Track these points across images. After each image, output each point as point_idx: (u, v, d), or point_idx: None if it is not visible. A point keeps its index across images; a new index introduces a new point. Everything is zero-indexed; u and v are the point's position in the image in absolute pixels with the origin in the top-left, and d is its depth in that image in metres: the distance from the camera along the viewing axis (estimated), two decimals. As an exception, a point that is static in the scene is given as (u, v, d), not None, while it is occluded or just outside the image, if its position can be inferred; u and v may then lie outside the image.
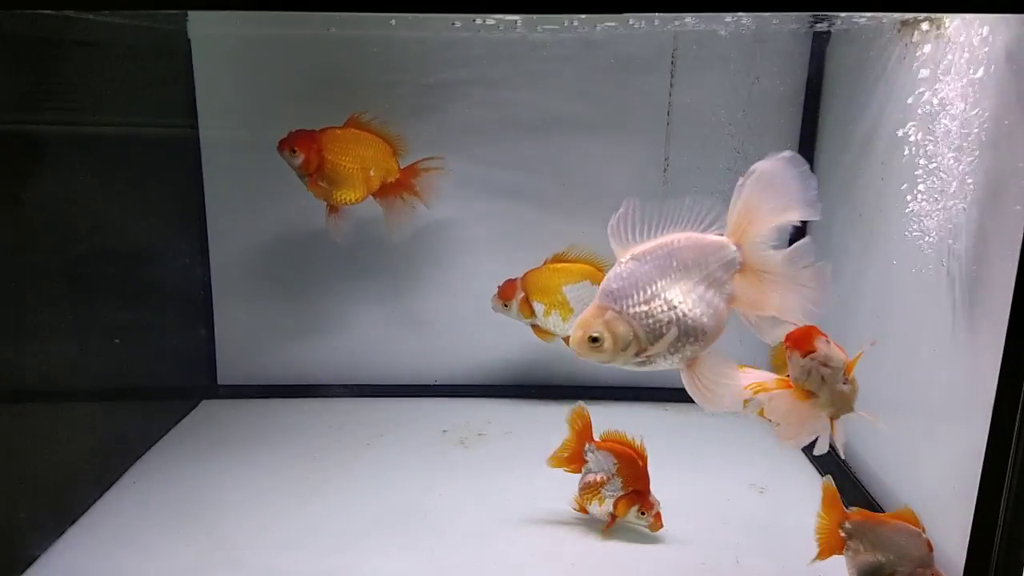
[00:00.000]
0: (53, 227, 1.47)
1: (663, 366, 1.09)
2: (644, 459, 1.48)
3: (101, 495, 1.58)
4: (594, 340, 1.04)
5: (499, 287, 1.78)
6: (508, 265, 1.86)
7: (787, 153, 1.04)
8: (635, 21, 1.62)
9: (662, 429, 1.93)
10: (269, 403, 2.03)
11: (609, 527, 1.47)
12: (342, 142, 1.64)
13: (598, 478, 1.47)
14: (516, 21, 1.64)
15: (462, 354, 2.08)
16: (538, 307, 1.75)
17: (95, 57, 1.57)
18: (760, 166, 1.04)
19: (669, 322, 1.05)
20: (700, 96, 1.88)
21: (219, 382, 2.08)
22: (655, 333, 1.05)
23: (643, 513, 1.46)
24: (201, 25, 1.79)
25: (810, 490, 1.64)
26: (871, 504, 1.58)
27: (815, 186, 1.05)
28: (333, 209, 1.68)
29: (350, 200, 1.67)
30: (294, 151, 1.61)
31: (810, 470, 1.74)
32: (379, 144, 1.67)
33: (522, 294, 1.75)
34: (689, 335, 1.06)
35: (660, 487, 1.58)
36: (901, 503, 1.49)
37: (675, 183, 1.94)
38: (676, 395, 2.02)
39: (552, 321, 1.77)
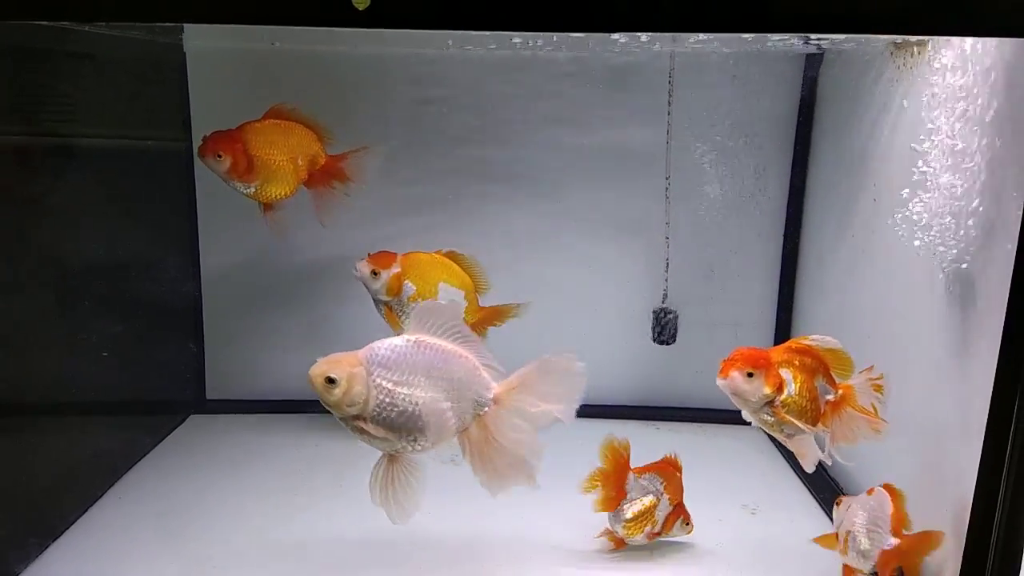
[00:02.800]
0: (42, 238, 1.46)
1: (375, 439, 1.13)
2: (680, 468, 1.46)
3: (85, 511, 1.55)
4: (330, 381, 1.08)
5: (372, 253, 1.65)
6: (503, 282, 1.86)
7: (573, 355, 1.14)
8: (624, 38, 1.63)
9: (653, 448, 1.90)
10: (258, 418, 2.01)
11: (622, 546, 1.44)
12: (266, 135, 1.56)
13: (648, 503, 1.42)
14: (513, 39, 1.65)
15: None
16: (409, 287, 1.64)
17: (89, 69, 1.57)
18: (554, 358, 1.14)
19: (402, 413, 1.10)
20: (698, 116, 1.88)
21: (208, 396, 2.06)
22: (384, 412, 1.10)
23: (686, 523, 1.45)
24: (196, 38, 1.79)
25: (803, 512, 1.65)
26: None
27: (582, 392, 1.15)
28: (268, 207, 1.60)
29: (282, 195, 1.59)
30: (219, 155, 1.52)
31: (803, 491, 1.73)
32: (303, 131, 1.60)
33: (398, 269, 1.64)
34: (411, 434, 1.11)
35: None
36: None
37: (676, 201, 1.94)
38: (667, 414, 2.05)
39: (412, 308, 1.64)
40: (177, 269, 1.95)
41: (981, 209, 1.22)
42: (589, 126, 1.93)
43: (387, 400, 1.09)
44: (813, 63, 1.87)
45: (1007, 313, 1.09)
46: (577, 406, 1.15)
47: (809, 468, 1.32)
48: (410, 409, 1.10)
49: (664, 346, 1.96)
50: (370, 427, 1.10)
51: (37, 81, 1.44)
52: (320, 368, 1.08)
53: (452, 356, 1.12)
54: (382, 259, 1.64)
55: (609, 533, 1.45)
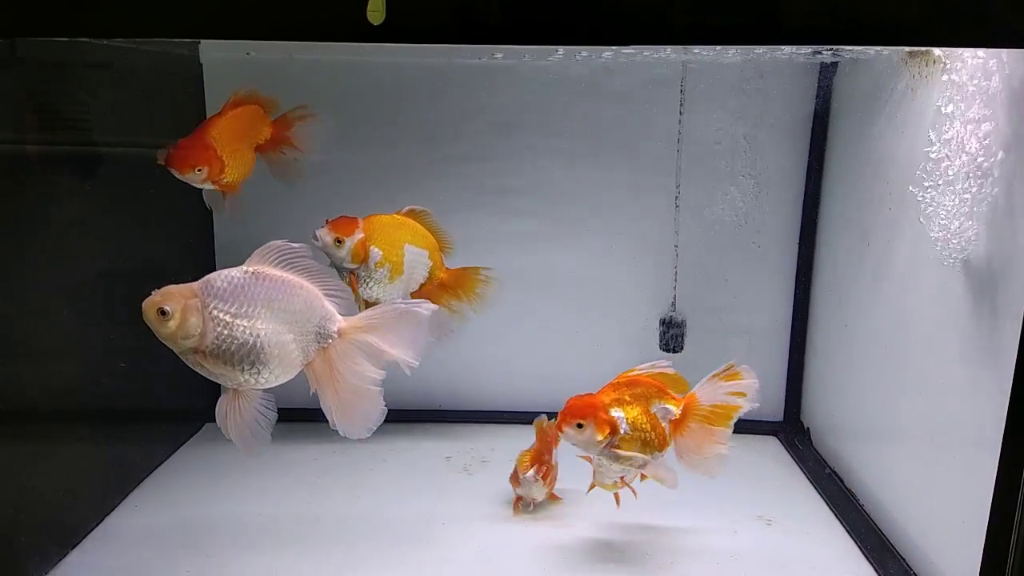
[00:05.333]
0: (60, 247, 1.47)
1: (214, 373, 1.12)
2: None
3: (103, 519, 1.57)
4: (163, 312, 1.06)
5: (332, 220, 1.55)
6: (515, 294, 1.87)
7: (432, 309, 1.16)
8: (638, 51, 1.63)
9: (670, 459, 1.91)
10: (276, 427, 2.01)
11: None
12: (231, 130, 1.51)
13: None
14: (523, 52, 1.66)
15: (467, 380, 2.07)
16: (375, 253, 1.55)
17: (107, 79, 1.58)
18: (422, 307, 1.16)
19: (242, 345, 1.08)
20: (709, 125, 1.88)
21: (223, 406, 2.07)
22: (223, 345, 1.08)
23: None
24: (213, 50, 1.81)
25: (819, 522, 1.63)
26: (878, 533, 1.56)
27: (427, 341, 1.17)
28: (230, 190, 1.54)
29: (242, 176, 1.54)
30: (199, 169, 1.46)
31: (819, 501, 1.71)
32: (255, 111, 1.55)
33: (361, 235, 1.54)
34: (253, 367, 1.09)
35: (668, 516, 1.60)
36: (907, 532, 1.48)
37: (685, 210, 1.94)
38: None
39: (379, 274, 1.57)
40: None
41: (996, 216, 1.21)
42: (600, 134, 1.93)
43: (225, 332, 1.07)
44: (828, 71, 1.86)
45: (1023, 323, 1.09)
46: (422, 353, 1.16)
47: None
48: (250, 341, 1.08)
49: (672, 354, 1.95)
50: (208, 361, 1.08)
51: (56, 91, 1.46)
52: (152, 300, 1.06)
53: (293, 287, 1.11)
54: (344, 225, 1.54)
55: (521, 499, 1.61)
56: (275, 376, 1.12)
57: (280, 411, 2.02)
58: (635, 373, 1.32)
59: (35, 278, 1.41)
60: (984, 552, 1.15)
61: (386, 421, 2.04)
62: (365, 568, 1.43)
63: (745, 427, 2.01)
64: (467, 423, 2.05)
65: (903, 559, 1.47)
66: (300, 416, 2.00)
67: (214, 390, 2.04)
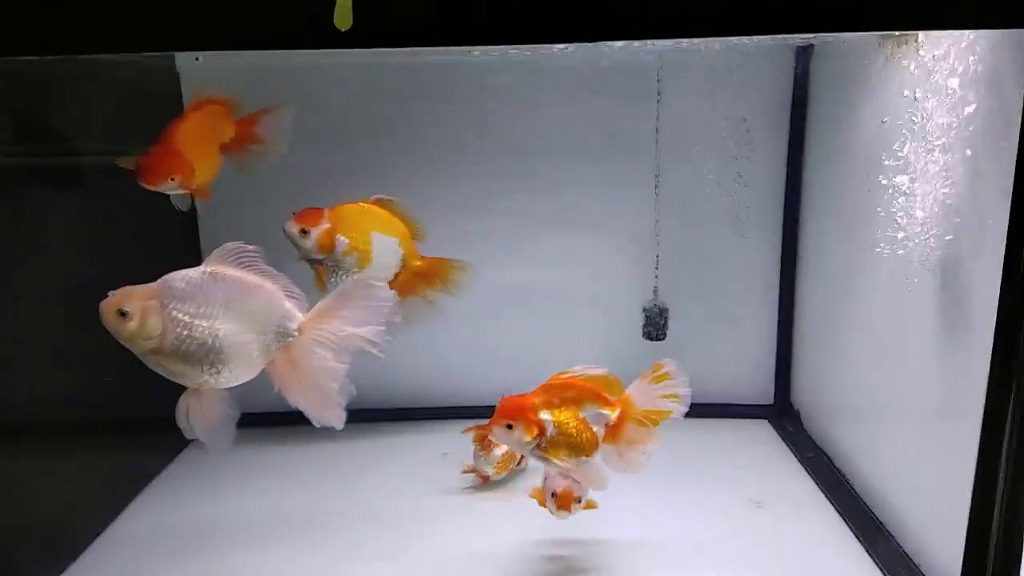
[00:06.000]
0: (49, 258, 1.48)
1: (174, 373, 1.12)
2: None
3: (103, 530, 1.58)
4: (122, 313, 1.06)
5: (297, 212, 1.53)
6: (502, 288, 1.87)
7: (389, 294, 1.17)
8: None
9: (661, 444, 1.93)
10: (270, 431, 2.02)
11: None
12: (195, 132, 1.48)
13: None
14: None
15: (463, 377, 2.08)
16: (342, 242, 1.52)
17: (89, 91, 1.59)
18: (357, 282, 1.20)
19: (201, 345, 1.08)
20: (687, 112, 1.89)
21: (218, 412, 2.08)
22: (183, 345, 1.08)
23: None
24: (187, 57, 1.81)
25: (810, 504, 1.65)
26: (868, 513, 1.58)
27: (388, 317, 1.16)
28: (200, 191, 1.52)
29: (211, 178, 1.52)
30: (172, 179, 1.44)
31: (810, 484, 1.73)
32: (217, 109, 1.52)
33: (328, 225, 1.53)
34: (213, 366, 1.10)
35: (659, 501, 1.62)
36: (896, 511, 1.50)
37: (664, 198, 1.95)
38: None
39: (347, 262, 1.54)
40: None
41: (969, 199, 1.22)
42: (578, 123, 1.94)
43: (185, 333, 1.07)
44: (804, 54, 1.87)
45: (999, 301, 1.10)
46: (384, 331, 1.16)
47: (600, 488, 1.36)
48: (210, 341, 1.08)
49: (655, 342, 1.96)
50: (168, 361, 1.09)
51: (40, 104, 1.46)
52: (112, 301, 1.07)
53: (252, 287, 1.12)
54: (309, 216, 1.53)
55: (475, 470, 1.72)
56: (236, 375, 1.13)
57: (276, 414, 2.05)
58: (569, 376, 1.32)
59: (24, 289, 1.41)
60: (968, 525, 1.17)
61: (384, 419, 2.08)
62: (363, 561, 1.45)
63: (736, 411, 2.05)
64: (463, 419, 2.07)
65: (892, 537, 1.49)
66: (298, 420, 2.03)
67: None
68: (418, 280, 1.60)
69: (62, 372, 1.51)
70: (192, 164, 1.46)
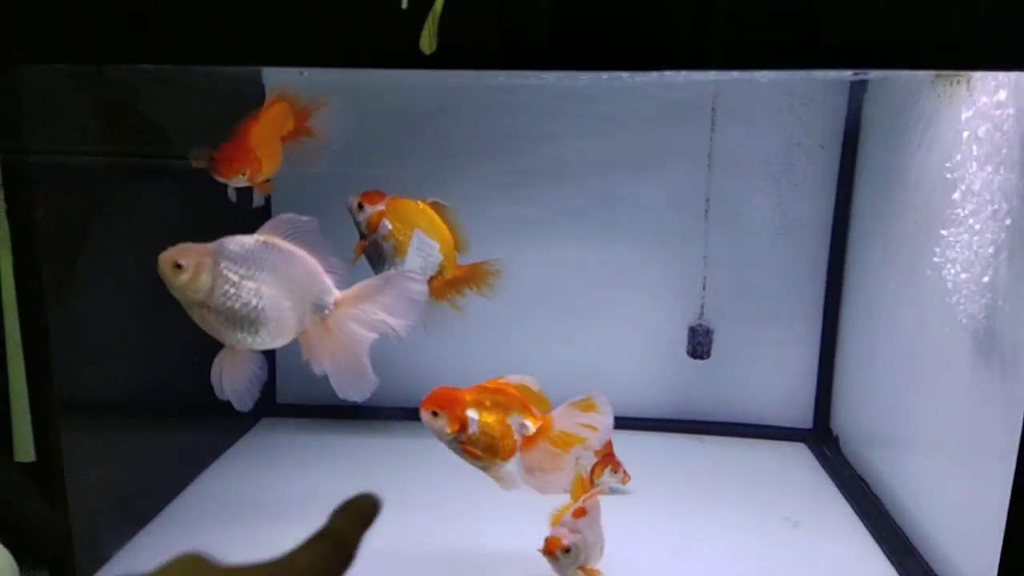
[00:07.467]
0: (132, 254, 1.60)
1: (215, 328, 1.20)
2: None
3: (169, 503, 1.69)
4: (178, 266, 1.15)
5: (368, 191, 1.62)
6: (551, 304, 1.93)
7: (417, 278, 1.27)
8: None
9: (699, 460, 1.98)
10: (324, 423, 2.13)
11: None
12: (267, 131, 1.59)
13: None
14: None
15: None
16: (385, 226, 1.60)
17: (179, 98, 1.71)
18: (398, 276, 1.29)
19: (245, 304, 1.16)
20: (740, 139, 1.95)
21: (278, 401, 2.20)
22: (227, 303, 1.16)
23: (615, 472, 1.67)
24: (274, 72, 1.93)
25: (845, 525, 1.68)
26: (901, 535, 1.61)
27: (418, 313, 1.26)
28: (263, 185, 1.64)
29: (273, 171, 1.63)
30: (243, 174, 1.56)
31: (845, 506, 1.76)
32: (285, 108, 1.63)
33: (382, 208, 1.62)
34: (252, 326, 1.18)
35: (695, 519, 1.66)
36: (931, 537, 1.52)
37: (714, 221, 2.01)
38: (706, 428, 2.11)
39: (385, 247, 1.61)
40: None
41: (1013, 236, 1.26)
42: (634, 150, 2.01)
43: (232, 291, 1.16)
44: (858, 89, 1.92)
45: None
46: (414, 321, 1.24)
47: (510, 488, 1.39)
48: (252, 302, 1.17)
49: (700, 360, 2.02)
50: (213, 316, 1.17)
51: (130, 109, 1.57)
52: (170, 254, 1.16)
53: (297, 259, 1.20)
54: (372, 196, 1.63)
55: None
56: (270, 338, 1.22)
57: (330, 407, 2.14)
58: (504, 381, 1.37)
59: (113, 281, 1.53)
60: (1001, 556, 1.20)
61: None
62: (411, 554, 1.51)
63: (774, 433, 2.09)
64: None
65: (925, 561, 1.51)
66: (349, 413, 2.13)
67: (269, 388, 2.18)
68: (450, 288, 1.67)
69: (140, 359, 1.62)
70: (260, 159, 1.58)
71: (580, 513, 1.34)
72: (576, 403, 1.33)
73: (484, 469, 1.37)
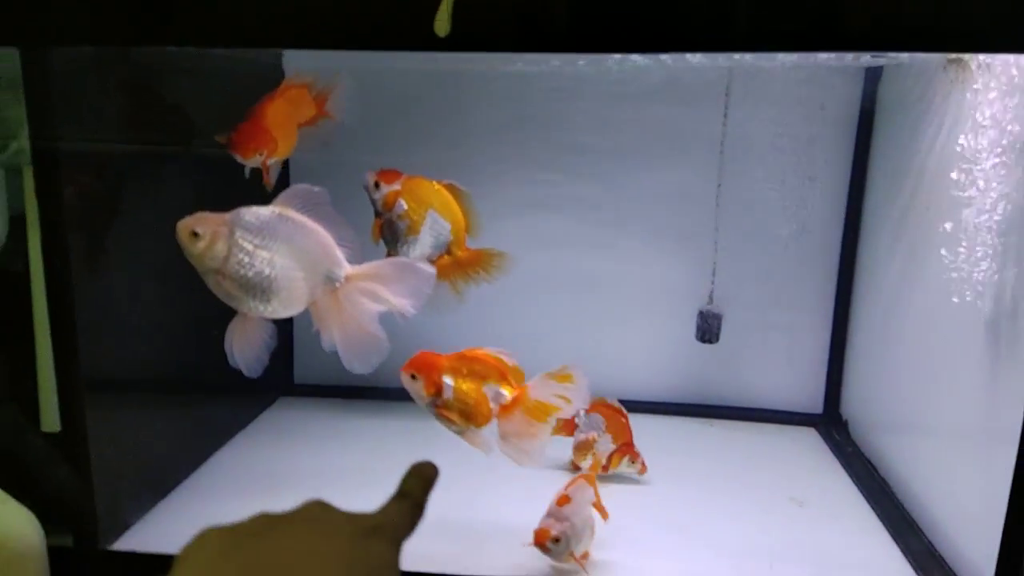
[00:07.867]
0: (155, 237, 1.64)
1: (229, 295, 1.23)
2: (626, 415, 1.72)
3: (189, 475, 1.74)
4: (195, 234, 1.18)
5: (383, 169, 1.61)
6: (561, 288, 1.95)
7: (430, 271, 1.29)
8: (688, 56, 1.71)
9: (708, 444, 2.00)
10: (340, 402, 2.17)
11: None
12: (283, 114, 1.61)
13: (589, 437, 1.73)
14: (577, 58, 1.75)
15: (531, 360, 2.18)
16: (400, 205, 1.60)
17: (202, 83, 1.75)
18: (408, 260, 1.34)
19: (258, 273, 1.19)
20: (753, 125, 1.96)
21: (295, 381, 2.24)
22: (241, 271, 1.19)
23: (632, 462, 1.71)
24: (295, 58, 1.96)
25: (851, 505, 1.70)
26: (907, 520, 1.63)
27: (427, 294, 1.28)
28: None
29: (288, 154, 1.65)
30: (260, 153, 1.58)
31: (852, 488, 1.78)
32: (302, 92, 1.64)
33: (397, 187, 1.62)
34: (265, 294, 1.21)
35: (702, 499, 1.68)
36: (937, 520, 1.54)
37: (725, 207, 2.02)
38: (724, 412, 2.13)
39: (399, 226, 1.61)
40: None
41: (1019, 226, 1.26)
42: (645, 134, 2.03)
43: (246, 260, 1.19)
44: (873, 75, 1.92)
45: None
46: (420, 304, 1.27)
47: (485, 452, 1.40)
48: (265, 271, 1.20)
49: (709, 344, 2.04)
50: (227, 283, 1.20)
51: (153, 95, 1.61)
52: (187, 222, 1.19)
53: (311, 231, 1.23)
54: (387, 175, 1.64)
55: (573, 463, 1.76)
56: (282, 307, 1.25)
57: (347, 388, 2.19)
58: (483, 352, 1.40)
59: (135, 262, 1.57)
60: (1003, 536, 1.22)
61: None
62: (423, 533, 1.54)
63: (784, 417, 2.11)
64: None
65: (928, 540, 1.54)
66: (365, 393, 2.17)
67: (286, 367, 2.23)
68: (455, 270, 1.67)
69: (162, 336, 1.66)
70: (276, 140, 1.60)
71: (564, 501, 1.38)
72: (552, 374, 1.36)
73: (460, 434, 1.40)
